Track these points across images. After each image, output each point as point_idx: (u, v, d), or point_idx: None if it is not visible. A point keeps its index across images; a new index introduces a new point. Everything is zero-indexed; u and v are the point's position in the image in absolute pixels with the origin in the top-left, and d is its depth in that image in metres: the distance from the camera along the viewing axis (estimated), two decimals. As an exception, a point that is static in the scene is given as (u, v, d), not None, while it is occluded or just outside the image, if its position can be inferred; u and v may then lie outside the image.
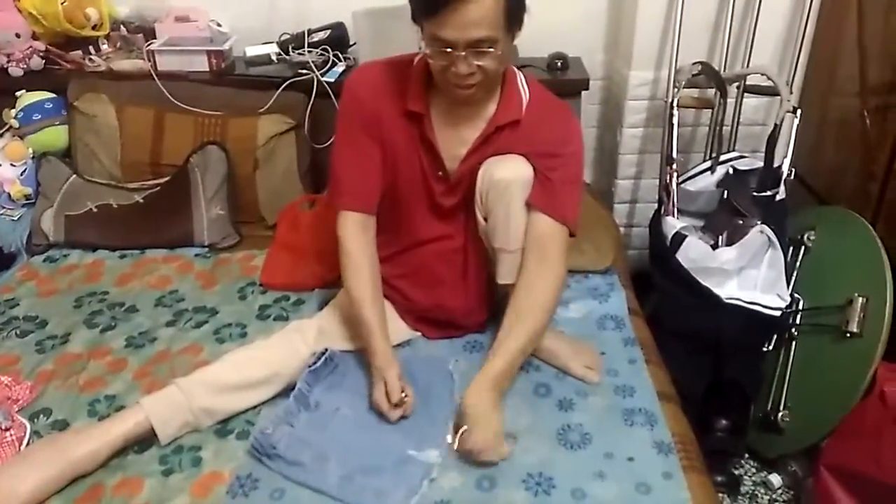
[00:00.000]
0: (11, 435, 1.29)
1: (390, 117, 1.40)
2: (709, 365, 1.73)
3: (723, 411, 1.74)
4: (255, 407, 1.38)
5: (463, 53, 1.21)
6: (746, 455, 1.86)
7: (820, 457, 1.57)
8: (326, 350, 1.44)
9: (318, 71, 2.00)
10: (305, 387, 1.38)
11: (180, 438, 1.32)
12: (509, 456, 1.26)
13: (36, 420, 1.36)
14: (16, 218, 2.01)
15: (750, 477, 1.82)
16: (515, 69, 1.43)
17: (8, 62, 2.06)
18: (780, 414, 1.70)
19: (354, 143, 1.42)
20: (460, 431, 1.26)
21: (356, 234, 1.43)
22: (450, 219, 1.48)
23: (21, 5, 2.05)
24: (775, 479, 1.78)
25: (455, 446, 1.27)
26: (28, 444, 1.30)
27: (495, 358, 1.34)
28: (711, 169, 1.89)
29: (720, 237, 1.75)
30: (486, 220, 1.42)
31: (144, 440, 1.30)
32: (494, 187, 1.36)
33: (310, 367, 1.40)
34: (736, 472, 1.81)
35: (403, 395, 1.34)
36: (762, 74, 1.89)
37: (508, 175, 1.35)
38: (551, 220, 1.37)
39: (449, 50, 1.22)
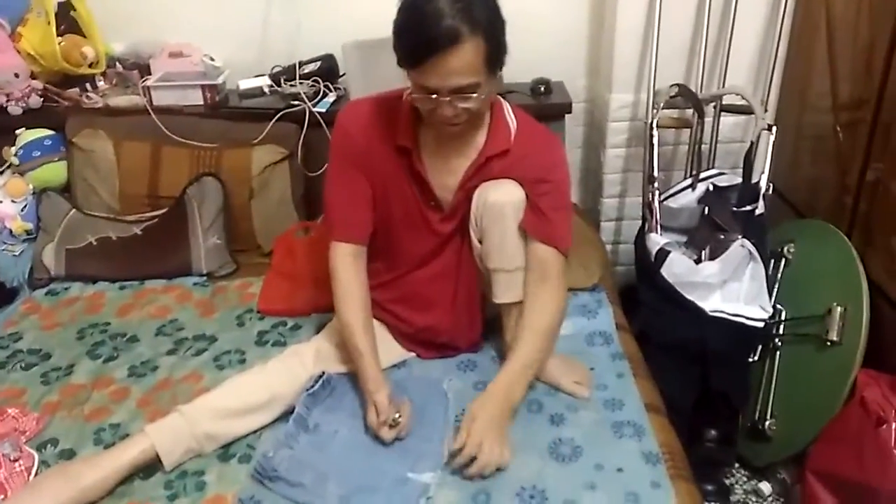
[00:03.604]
0: (20, 465, 1.33)
1: (381, 152, 1.45)
2: (696, 377, 1.76)
3: (711, 422, 1.79)
4: (256, 431, 1.42)
5: (447, 99, 1.26)
6: (737, 464, 1.90)
7: (806, 462, 1.61)
8: (324, 373, 1.48)
9: (310, 101, 2.06)
10: (304, 409, 1.42)
11: (184, 464, 1.35)
12: (507, 464, 1.30)
13: (43, 450, 1.39)
14: (17, 253, 2.04)
15: (741, 486, 1.86)
16: (502, 99, 1.48)
17: (7, 101, 2.10)
18: (767, 422, 1.75)
19: (345, 178, 1.48)
20: (459, 436, 1.30)
21: (347, 264, 1.47)
22: (444, 244, 1.53)
23: (20, 46, 2.10)
24: (765, 486, 1.82)
25: (455, 458, 1.30)
26: (37, 473, 1.33)
27: (503, 368, 1.41)
28: (692, 186, 1.94)
29: (703, 252, 1.80)
30: (480, 242, 1.47)
31: (150, 466, 1.33)
32: (489, 210, 1.42)
33: (308, 390, 1.44)
34: (727, 482, 1.85)
35: (397, 415, 1.37)
36: (737, 94, 1.96)
37: (502, 198, 1.41)
38: (547, 246, 1.43)
39: (434, 96, 1.27)
